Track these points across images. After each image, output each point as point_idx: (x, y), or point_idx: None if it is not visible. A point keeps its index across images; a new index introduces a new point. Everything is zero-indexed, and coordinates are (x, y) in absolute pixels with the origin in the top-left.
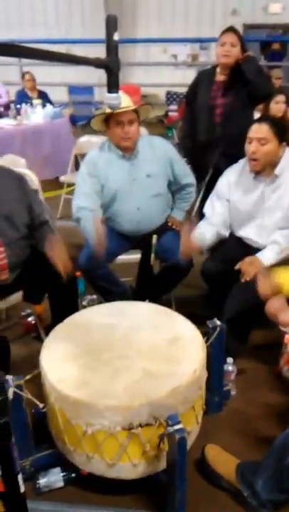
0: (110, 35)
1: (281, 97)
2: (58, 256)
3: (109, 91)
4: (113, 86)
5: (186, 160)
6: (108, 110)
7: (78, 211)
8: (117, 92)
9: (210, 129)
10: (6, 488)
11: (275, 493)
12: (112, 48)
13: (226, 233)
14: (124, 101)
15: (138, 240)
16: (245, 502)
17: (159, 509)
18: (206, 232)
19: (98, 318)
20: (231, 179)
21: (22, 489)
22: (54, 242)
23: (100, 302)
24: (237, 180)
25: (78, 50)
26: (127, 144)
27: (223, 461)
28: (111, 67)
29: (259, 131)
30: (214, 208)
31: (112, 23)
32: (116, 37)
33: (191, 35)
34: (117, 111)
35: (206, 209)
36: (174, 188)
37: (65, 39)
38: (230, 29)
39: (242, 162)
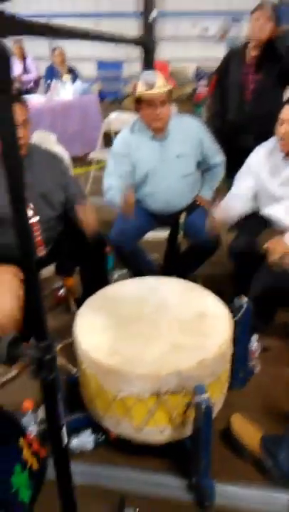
0: (148, 13)
1: None
2: (88, 218)
3: (146, 67)
4: (149, 63)
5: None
6: (142, 87)
7: (108, 191)
8: (152, 68)
9: (240, 107)
10: (52, 439)
11: None
12: (149, 26)
13: (254, 206)
14: (159, 81)
15: (166, 218)
16: (268, 472)
17: (183, 474)
18: (231, 207)
19: (129, 292)
20: (261, 156)
21: (65, 441)
22: (84, 205)
23: (130, 277)
24: (267, 159)
25: (106, 24)
26: (159, 125)
27: (248, 432)
28: (148, 45)
29: None
30: (242, 181)
31: (149, 2)
32: (153, 15)
33: (222, 8)
34: (150, 93)
35: (234, 184)
36: (203, 167)
37: (93, 12)
38: (265, 3)
39: (273, 141)
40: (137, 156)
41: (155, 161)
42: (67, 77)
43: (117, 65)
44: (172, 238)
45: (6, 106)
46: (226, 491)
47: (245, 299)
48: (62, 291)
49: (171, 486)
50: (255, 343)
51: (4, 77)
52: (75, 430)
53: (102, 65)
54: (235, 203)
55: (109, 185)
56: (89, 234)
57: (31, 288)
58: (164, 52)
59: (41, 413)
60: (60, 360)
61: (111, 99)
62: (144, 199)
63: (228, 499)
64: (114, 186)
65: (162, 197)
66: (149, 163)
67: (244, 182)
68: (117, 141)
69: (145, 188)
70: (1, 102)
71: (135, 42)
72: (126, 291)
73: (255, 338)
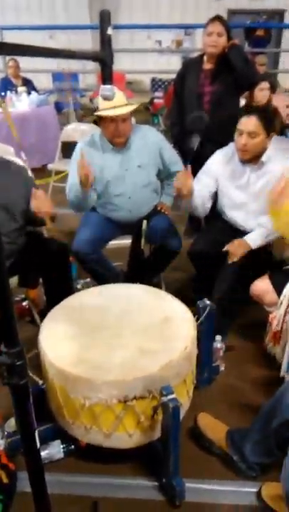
0: (104, 29)
1: (265, 84)
2: (39, 202)
3: (104, 82)
4: (107, 78)
5: (174, 147)
6: (103, 105)
7: (70, 192)
8: (111, 83)
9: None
10: (25, 444)
11: (262, 456)
12: (106, 41)
13: (209, 205)
14: (119, 99)
15: (129, 226)
16: (235, 466)
17: (154, 475)
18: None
19: (93, 301)
20: (220, 161)
21: (38, 445)
22: (37, 192)
23: (94, 285)
24: (226, 164)
25: (62, 36)
26: (121, 140)
27: (214, 428)
28: (105, 60)
29: (249, 124)
30: (200, 181)
31: (105, 18)
32: (110, 31)
33: (175, 21)
34: (112, 114)
35: (194, 183)
36: (164, 175)
37: (48, 25)
38: (217, 18)
39: (231, 146)
40: (97, 164)
41: (116, 170)
42: (22, 89)
43: (72, 76)
44: (135, 245)
45: None
46: (195, 488)
47: (208, 301)
48: (25, 303)
49: (142, 487)
50: (219, 343)
51: None
52: (43, 441)
53: (57, 76)
54: (196, 201)
55: (70, 185)
56: (41, 218)
57: (0, 294)
58: (119, 63)
59: (8, 427)
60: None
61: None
62: (107, 208)
63: (199, 496)
64: (74, 183)
65: (124, 206)
66: (110, 174)
67: (203, 181)
68: (76, 151)
69: (107, 197)
70: None
71: (93, 58)
72: (90, 299)
73: (219, 338)
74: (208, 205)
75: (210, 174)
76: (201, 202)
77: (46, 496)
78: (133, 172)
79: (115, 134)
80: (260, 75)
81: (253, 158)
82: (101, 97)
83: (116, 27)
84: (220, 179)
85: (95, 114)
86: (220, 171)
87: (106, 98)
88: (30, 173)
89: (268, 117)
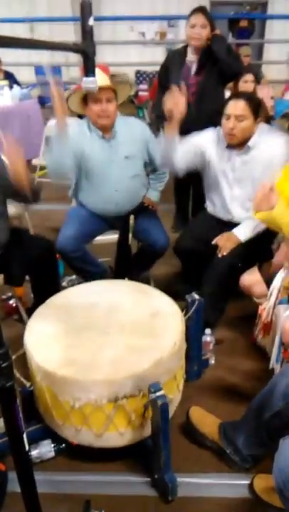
0: (85, 20)
1: (249, 76)
2: (14, 164)
3: (86, 75)
4: (90, 70)
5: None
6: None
7: (47, 156)
8: (93, 75)
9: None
10: (13, 446)
11: (255, 448)
12: (87, 32)
13: (184, 165)
14: (102, 79)
15: (115, 221)
16: (228, 458)
17: (146, 471)
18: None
19: (79, 298)
20: (211, 139)
21: (26, 447)
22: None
23: (80, 283)
24: (215, 143)
25: (43, 29)
26: (105, 122)
27: (207, 422)
28: (87, 51)
29: (237, 107)
30: (190, 139)
31: (86, 8)
32: (91, 22)
33: (158, 13)
34: (94, 86)
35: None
36: (149, 168)
37: (29, 17)
38: (199, 9)
39: (219, 131)
40: (84, 149)
41: (103, 160)
42: (4, 83)
43: (55, 70)
44: (122, 240)
45: None
46: (188, 483)
47: (196, 295)
48: (12, 301)
49: (134, 483)
50: (208, 336)
51: None
52: (34, 440)
53: (40, 69)
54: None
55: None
56: (17, 182)
57: None
58: (103, 56)
59: None
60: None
61: (51, 105)
62: (93, 202)
63: (191, 490)
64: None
65: (111, 198)
66: (97, 160)
67: (192, 140)
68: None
69: (93, 189)
70: None
71: (74, 49)
72: (76, 297)
73: (208, 331)
74: (185, 163)
75: (200, 141)
76: (181, 155)
77: (36, 496)
78: (120, 163)
79: (100, 114)
80: (244, 66)
81: (239, 144)
82: (84, 90)
83: (99, 19)
84: (207, 151)
85: (73, 93)
86: (209, 146)
87: (89, 90)
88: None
89: (255, 102)
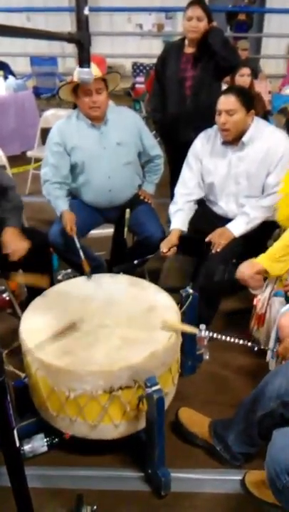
0: (81, 9)
1: (246, 70)
2: (12, 244)
3: (81, 65)
4: (85, 60)
5: (156, 133)
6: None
7: (44, 184)
8: (88, 66)
9: (180, 102)
10: (4, 442)
11: (245, 446)
12: (82, 22)
13: (202, 194)
14: (92, 70)
15: (111, 214)
16: (219, 456)
17: (139, 466)
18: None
19: (75, 291)
20: (203, 142)
21: (17, 444)
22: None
23: (75, 276)
24: (207, 143)
25: (39, 19)
26: (96, 114)
27: (196, 422)
28: (82, 41)
29: (227, 102)
30: (191, 167)
31: None
32: (86, 11)
33: (156, 4)
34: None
35: (183, 171)
36: (144, 159)
37: (25, 7)
38: (196, 2)
39: (214, 128)
40: (74, 144)
41: (94, 148)
42: None
43: (51, 60)
44: (118, 234)
45: None
46: (181, 478)
47: (190, 290)
48: (6, 295)
49: (127, 478)
50: (203, 331)
51: None
52: (26, 435)
53: (36, 60)
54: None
55: (43, 178)
56: (13, 259)
57: None
58: (100, 48)
59: None
60: (8, 365)
61: (47, 96)
62: (86, 190)
63: (184, 485)
64: (47, 179)
65: (104, 186)
66: (87, 151)
67: (193, 167)
68: (52, 131)
69: (85, 177)
70: None
71: (69, 39)
72: (72, 290)
73: (203, 326)
74: (201, 193)
75: (196, 157)
76: (197, 187)
77: (27, 492)
78: (112, 150)
79: (91, 106)
80: (240, 60)
81: (234, 139)
82: (79, 81)
83: (96, 9)
84: (203, 160)
85: (63, 84)
86: (202, 152)
87: (84, 81)
88: (3, 160)
89: (246, 94)
